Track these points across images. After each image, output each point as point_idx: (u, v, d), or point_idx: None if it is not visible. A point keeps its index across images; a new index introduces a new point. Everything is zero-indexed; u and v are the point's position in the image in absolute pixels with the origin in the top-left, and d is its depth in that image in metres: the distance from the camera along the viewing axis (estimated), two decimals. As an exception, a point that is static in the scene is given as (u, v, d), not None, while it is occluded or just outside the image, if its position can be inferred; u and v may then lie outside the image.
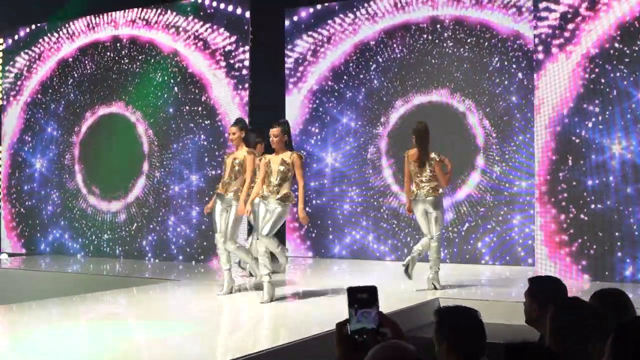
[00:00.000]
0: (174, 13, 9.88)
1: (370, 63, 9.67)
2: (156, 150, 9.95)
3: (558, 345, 2.60)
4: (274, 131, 6.27)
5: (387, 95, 9.64)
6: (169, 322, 5.78)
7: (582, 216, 7.06)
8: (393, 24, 9.54)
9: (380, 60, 9.62)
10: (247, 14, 9.37)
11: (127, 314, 6.32)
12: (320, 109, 9.90)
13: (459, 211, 9.18)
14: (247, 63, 9.29)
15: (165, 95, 9.91)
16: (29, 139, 10.97)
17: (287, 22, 10.15)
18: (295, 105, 10.02)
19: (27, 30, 11.04)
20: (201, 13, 9.69)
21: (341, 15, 9.80)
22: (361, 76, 9.73)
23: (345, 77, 9.81)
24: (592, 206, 7.04)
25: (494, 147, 9.08)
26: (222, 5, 9.49)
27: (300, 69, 10.04)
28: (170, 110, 9.88)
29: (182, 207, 9.71)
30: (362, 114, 9.76)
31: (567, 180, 7.11)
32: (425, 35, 9.40)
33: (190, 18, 9.76)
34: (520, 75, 8.80)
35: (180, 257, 9.54)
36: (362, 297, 1.99)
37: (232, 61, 9.38)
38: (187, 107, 9.69)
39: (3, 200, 11.03)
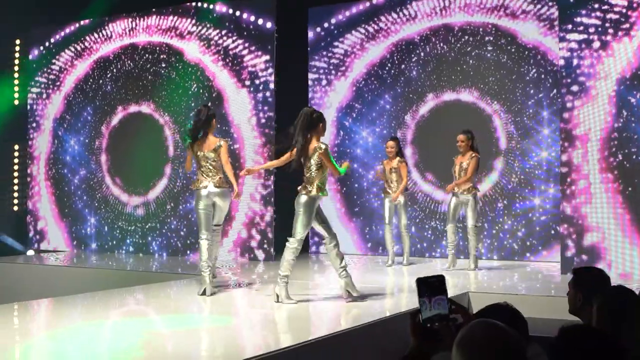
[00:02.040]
0: (209, 24, 9.93)
1: (412, 56, 9.88)
2: (180, 156, 10.15)
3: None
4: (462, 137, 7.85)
5: (422, 87, 9.84)
6: (203, 316, 5.77)
7: (625, 162, 7.47)
8: (435, 24, 9.72)
9: (422, 54, 9.82)
10: (269, 24, 9.46)
11: (157, 309, 6.15)
12: (365, 89, 10.15)
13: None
14: (272, 86, 9.42)
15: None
16: (68, 117, 11.26)
17: (339, 17, 10.31)
18: (344, 87, 10.26)
19: (72, 28, 11.23)
20: (232, 26, 9.75)
21: (386, 14, 9.99)
22: (402, 66, 9.94)
23: (388, 64, 10.01)
24: (634, 157, 7.47)
25: (516, 153, 9.27)
26: (260, 21, 9.57)
27: (348, 60, 10.24)
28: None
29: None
30: (397, 100, 9.98)
31: (619, 129, 7.49)
32: (466, 37, 9.55)
33: (223, 32, 9.81)
34: (555, 90, 8.82)
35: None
36: (432, 286, 2.04)
37: (257, 81, 9.50)
38: (218, 125, 9.74)
39: (45, 166, 11.37)
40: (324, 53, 10.40)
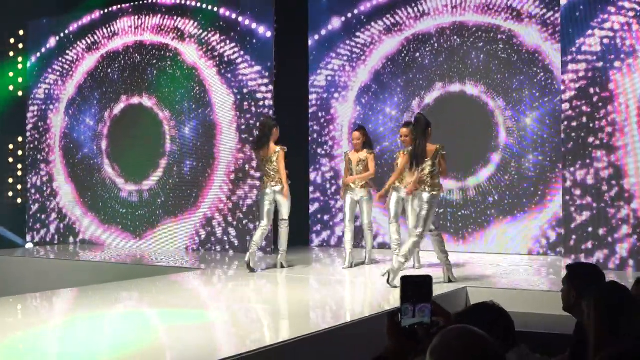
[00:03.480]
0: (210, 28, 10.21)
1: (427, 46, 10.11)
2: (176, 152, 10.54)
3: (603, 329, 2.45)
4: (405, 131, 7.31)
5: (433, 75, 10.07)
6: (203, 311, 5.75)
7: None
8: (448, 21, 9.99)
9: (436, 45, 10.06)
10: (269, 34, 9.72)
11: (156, 303, 6.18)
12: (382, 72, 10.41)
13: (466, 199, 9.78)
14: (258, 95, 9.72)
15: (199, 110, 10.29)
16: (79, 99, 11.63)
17: (361, 8, 10.57)
18: (366, 71, 10.51)
19: (84, 20, 11.62)
20: (236, 37, 10.02)
21: (403, 8, 10.24)
22: (417, 54, 10.18)
23: (404, 52, 10.25)
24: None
25: (514, 151, 9.52)
26: (260, 30, 9.83)
27: (367, 50, 10.50)
28: (200, 129, 10.29)
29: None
30: (408, 85, 10.23)
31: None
32: (479, 33, 9.78)
33: (221, 36, 10.10)
34: (561, 97, 8.88)
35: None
36: (417, 290, 1.89)
37: (245, 90, 9.82)
38: (214, 132, 10.20)
39: (59, 138, 11.72)
40: (347, 42, 10.62)
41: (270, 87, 9.60)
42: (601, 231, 7.83)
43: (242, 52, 9.90)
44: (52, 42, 11.86)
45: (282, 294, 6.84)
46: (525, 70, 9.47)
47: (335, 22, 10.73)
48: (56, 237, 11.71)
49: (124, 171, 11.08)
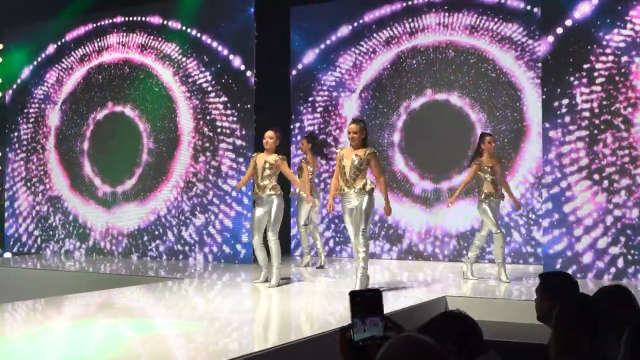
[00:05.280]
0: (189, 53, 10.60)
1: (423, 56, 10.56)
2: (152, 162, 10.95)
3: (566, 342, 2.43)
4: (353, 127, 6.60)
5: (424, 81, 10.52)
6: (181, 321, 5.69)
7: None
8: (446, 39, 10.43)
9: (432, 55, 10.50)
10: (249, 73, 10.12)
11: (139, 312, 6.15)
12: (382, 72, 10.86)
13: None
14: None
15: (178, 131, 10.66)
16: (71, 98, 12.03)
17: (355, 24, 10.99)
18: (374, 68, 10.90)
19: (79, 32, 12.08)
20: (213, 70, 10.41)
21: (400, 23, 10.71)
22: (414, 60, 10.63)
23: (402, 56, 10.70)
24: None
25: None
26: (241, 68, 10.23)
27: (367, 57, 10.92)
28: (174, 149, 10.63)
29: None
30: (402, 88, 10.68)
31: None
32: (472, 50, 10.21)
33: (199, 62, 10.48)
34: (542, 124, 9.13)
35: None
36: (366, 304, 1.85)
37: (209, 116, 10.28)
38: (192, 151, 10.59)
39: (54, 131, 12.01)
40: (352, 49, 11.00)
41: (233, 118, 10.07)
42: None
43: (213, 82, 10.29)
44: (51, 49, 12.25)
45: (266, 303, 6.79)
46: (511, 93, 9.88)
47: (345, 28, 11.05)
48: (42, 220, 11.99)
49: (101, 172, 11.44)
